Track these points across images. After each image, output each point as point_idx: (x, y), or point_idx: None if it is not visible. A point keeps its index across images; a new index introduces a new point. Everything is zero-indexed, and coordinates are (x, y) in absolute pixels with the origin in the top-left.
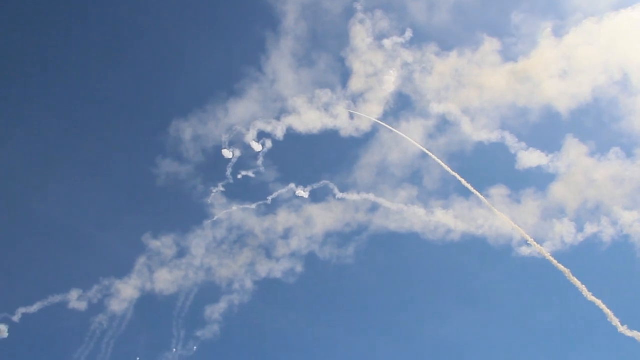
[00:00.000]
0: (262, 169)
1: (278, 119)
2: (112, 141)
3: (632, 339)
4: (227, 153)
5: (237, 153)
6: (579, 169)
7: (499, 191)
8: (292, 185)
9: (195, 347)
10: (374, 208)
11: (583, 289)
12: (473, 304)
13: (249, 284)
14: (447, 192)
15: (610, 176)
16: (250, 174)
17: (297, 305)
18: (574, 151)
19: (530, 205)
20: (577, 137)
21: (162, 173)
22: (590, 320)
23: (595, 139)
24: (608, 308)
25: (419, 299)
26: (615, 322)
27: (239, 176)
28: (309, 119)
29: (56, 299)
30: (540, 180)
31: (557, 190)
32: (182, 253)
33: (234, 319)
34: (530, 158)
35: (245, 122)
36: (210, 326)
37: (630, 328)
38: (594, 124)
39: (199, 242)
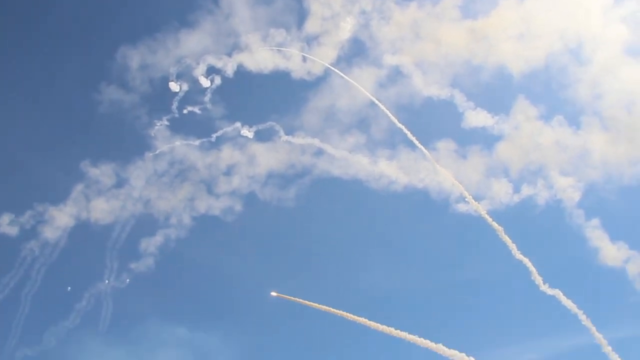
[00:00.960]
0: (208, 105)
1: (229, 55)
2: (53, 63)
3: (552, 297)
4: (174, 86)
5: (185, 87)
6: (524, 132)
7: (444, 146)
8: (238, 124)
9: (127, 280)
10: (318, 153)
11: (513, 247)
12: (405, 255)
13: (186, 220)
14: (392, 143)
15: (553, 141)
16: (196, 109)
17: (233, 244)
18: (522, 114)
19: (473, 162)
20: (527, 100)
21: (105, 100)
22: (515, 277)
23: (544, 103)
24: (534, 267)
25: (354, 247)
26: (538, 280)
27: (185, 111)
28: (260, 57)
29: None
30: (485, 139)
31: (501, 151)
32: (120, 183)
33: (169, 253)
34: (477, 118)
35: (195, 55)
36: (145, 259)
37: (552, 287)
38: (543, 89)
39: (139, 174)
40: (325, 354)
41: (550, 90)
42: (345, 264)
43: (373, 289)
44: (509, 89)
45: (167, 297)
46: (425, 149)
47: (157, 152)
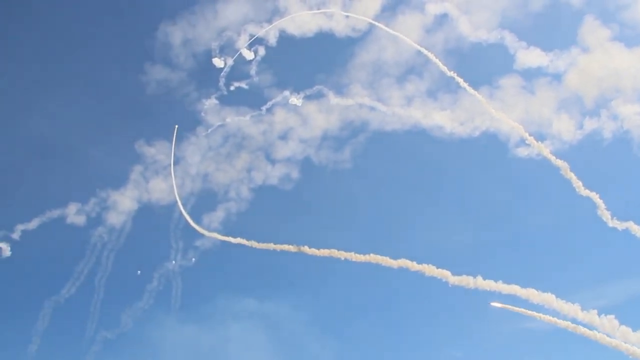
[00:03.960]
0: (255, 78)
1: (270, 21)
2: (98, 51)
3: (625, 231)
4: (218, 62)
5: (229, 62)
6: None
7: (498, 90)
8: (287, 93)
9: (194, 259)
10: (369, 110)
11: (578, 184)
12: (468, 206)
13: (245, 192)
14: (444, 91)
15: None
16: (244, 85)
17: (293, 212)
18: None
19: (532, 102)
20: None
21: (152, 80)
22: (582, 215)
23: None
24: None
25: (415, 201)
26: (606, 215)
27: (232, 87)
28: (302, 21)
29: (54, 213)
30: (540, 78)
31: (559, 87)
32: (176, 161)
33: (232, 227)
34: (530, 57)
35: (236, 25)
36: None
37: (621, 220)
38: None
39: (193, 150)
40: (397, 312)
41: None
42: (408, 220)
43: (437, 247)
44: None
45: (235, 271)
46: (479, 94)
47: (209, 132)
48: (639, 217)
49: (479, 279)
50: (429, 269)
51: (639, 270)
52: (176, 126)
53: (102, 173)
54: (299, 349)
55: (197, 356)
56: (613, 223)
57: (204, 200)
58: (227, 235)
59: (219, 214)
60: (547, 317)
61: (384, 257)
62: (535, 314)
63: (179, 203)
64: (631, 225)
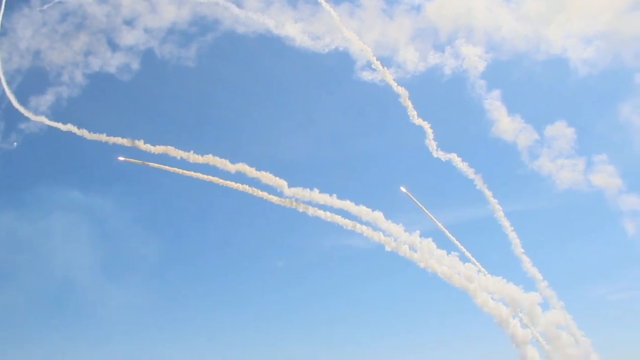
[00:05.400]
0: None
1: None
2: None
3: (448, 161)
4: None
5: None
6: None
7: (358, 9)
8: None
9: (15, 143)
10: (223, 9)
11: (413, 113)
12: (309, 123)
13: (79, 77)
14: (304, 1)
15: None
16: None
17: (129, 105)
18: None
19: (388, 27)
20: None
21: None
22: (412, 142)
23: None
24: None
25: (258, 111)
26: (432, 145)
27: None
28: None
29: None
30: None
31: (419, 16)
32: (4, 32)
33: (62, 113)
34: None
35: None
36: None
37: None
38: None
39: (25, 23)
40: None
41: None
42: (248, 127)
43: (280, 152)
44: None
45: (60, 160)
46: (339, 9)
47: (44, 7)
48: (463, 151)
49: (316, 191)
50: (267, 177)
51: (457, 199)
52: None
53: None
54: (121, 246)
55: (13, 245)
56: (437, 153)
57: (33, 80)
58: (56, 121)
59: (48, 98)
60: (376, 234)
61: (223, 160)
62: (341, 219)
63: (3, 80)
64: (454, 156)
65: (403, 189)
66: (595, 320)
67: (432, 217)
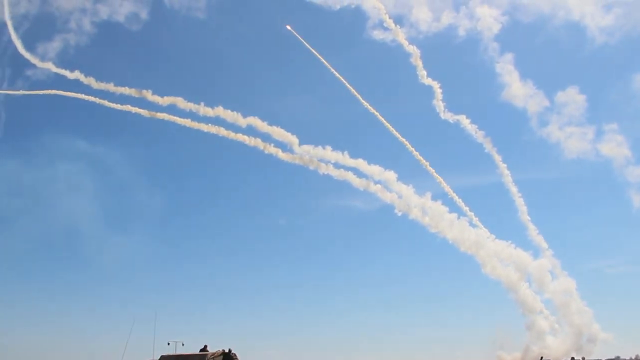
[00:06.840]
0: None
1: None
2: None
3: (456, 123)
4: None
5: None
6: None
7: None
8: None
9: (21, 90)
10: None
11: (423, 73)
12: (320, 81)
13: (87, 25)
14: None
15: None
16: None
17: (138, 55)
18: None
19: None
20: None
21: None
22: (419, 104)
23: None
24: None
25: (270, 69)
26: (440, 106)
27: None
28: None
29: None
30: None
31: None
32: None
33: (69, 60)
34: None
35: None
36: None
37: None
38: None
39: None
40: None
41: None
42: (259, 83)
43: (293, 110)
44: None
45: (67, 108)
46: None
47: None
48: (472, 115)
49: (328, 149)
50: (278, 132)
51: (465, 162)
52: None
53: None
54: (125, 196)
55: (18, 192)
56: (445, 115)
57: (41, 26)
58: (63, 68)
59: (55, 44)
60: (388, 195)
61: (234, 113)
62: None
63: (10, 25)
64: (462, 118)
65: (288, 27)
66: (593, 293)
67: (439, 178)
